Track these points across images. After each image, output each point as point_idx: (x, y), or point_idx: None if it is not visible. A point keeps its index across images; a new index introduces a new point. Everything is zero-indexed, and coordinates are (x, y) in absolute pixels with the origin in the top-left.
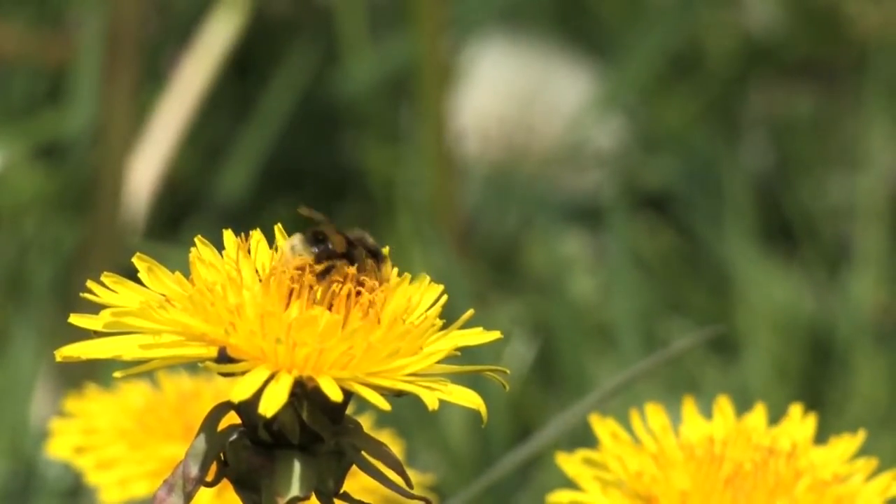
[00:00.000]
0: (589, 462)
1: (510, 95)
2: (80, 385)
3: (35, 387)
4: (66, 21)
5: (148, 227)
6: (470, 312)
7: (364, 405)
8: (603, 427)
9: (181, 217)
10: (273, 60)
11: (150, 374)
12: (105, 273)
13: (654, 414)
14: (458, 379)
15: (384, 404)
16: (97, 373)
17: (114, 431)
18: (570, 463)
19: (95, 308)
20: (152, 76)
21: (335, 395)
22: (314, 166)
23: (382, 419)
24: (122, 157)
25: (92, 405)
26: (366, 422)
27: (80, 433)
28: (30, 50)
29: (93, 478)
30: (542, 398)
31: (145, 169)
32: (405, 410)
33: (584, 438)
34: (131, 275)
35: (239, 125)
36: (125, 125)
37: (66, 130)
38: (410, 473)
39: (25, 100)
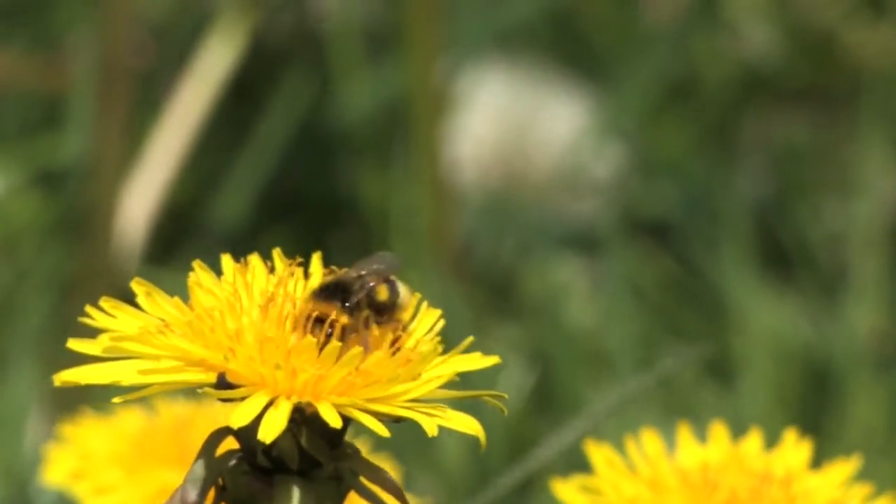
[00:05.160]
0: (584, 488)
1: (506, 123)
2: (75, 411)
3: (31, 413)
4: (62, 47)
5: (145, 253)
6: (470, 339)
7: (362, 429)
8: (598, 453)
9: (178, 243)
10: (269, 88)
11: (146, 399)
12: (104, 298)
13: (650, 439)
14: (456, 404)
15: (383, 431)
16: (92, 398)
17: (110, 457)
18: (565, 489)
19: (93, 333)
20: (149, 103)
21: (335, 422)
22: (310, 193)
23: (380, 444)
24: (116, 185)
25: (87, 430)
26: (364, 446)
27: (76, 459)
28: (26, 76)
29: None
30: (540, 425)
31: (143, 195)
32: (403, 435)
33: (580, 464)
34: (128, 300)
35: (235, 152)
36: (119, 153)
37: (63, 158)
38: (408, 498)
39: (22, 127)
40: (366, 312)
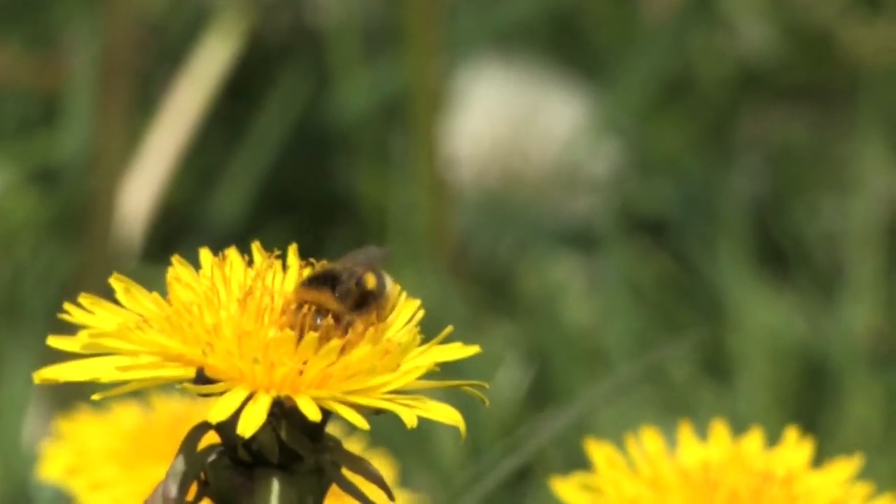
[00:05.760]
0: (585, 487)
1: (504, 120)
2: (72, 407)
3: (28, 410)
4: (59, 45)
5: (142, 250)
6: (449, 329)
7: (354, 426)
8: (599, 451)
9: (175, 241)
10: (266, 85)
11: (142, 396)
12: (82, 294)
13: (651, 438)
14: (452, 400)
15: (363, 423)
16: (89, 394)
17: (106, 453)
18: (565, 487)
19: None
20: (146, 101)
21: (313, 415)
22: (308, 191)
23: (375, 440)
24: (115, 182)
25: (84, 427)
26: (358, 444)
27: (73, 455)
28: (23, 74)
29: (86, 499)
30: (536, 422)
31: (140, 193)
32: (399, 432)
33: (580, 462)
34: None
35: (233, 150)
36: (119, 150)
37: (60, 155)
38: (403, 494)
39: (19, 124)
40: (355, 294)
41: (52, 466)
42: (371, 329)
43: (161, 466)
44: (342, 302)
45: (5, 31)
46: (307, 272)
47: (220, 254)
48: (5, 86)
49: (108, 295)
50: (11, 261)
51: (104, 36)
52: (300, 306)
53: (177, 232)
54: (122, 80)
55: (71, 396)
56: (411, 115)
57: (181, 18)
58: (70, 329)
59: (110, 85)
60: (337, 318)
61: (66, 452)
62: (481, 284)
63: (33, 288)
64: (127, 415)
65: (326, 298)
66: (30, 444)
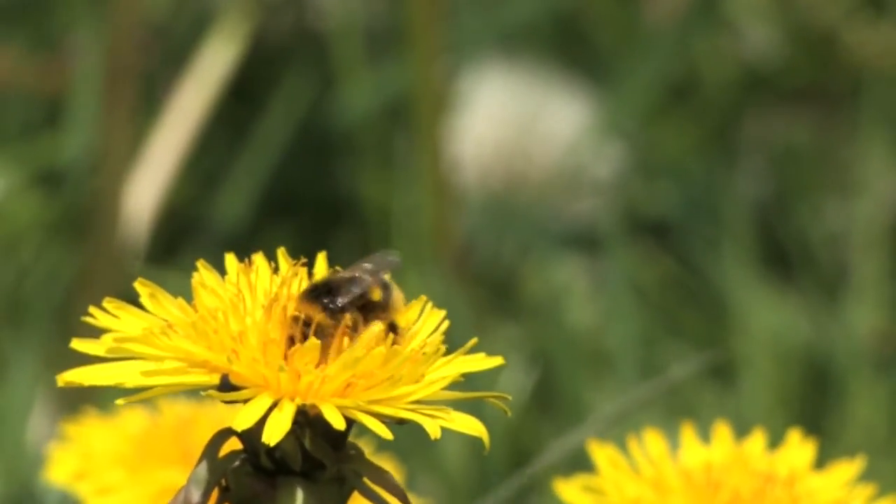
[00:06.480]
0: (587, 488)
1: (507, 122)
2: (78, 410)
3: (32, 412)
4: (62, 47)
5: (146, 252)
6: (474, 340)
7: (365, 430)
8: (601, 453)
9: (178, 243)
10: (270, 87)
11: (149, 400)
12: (107, 298)
13: (653, 440)
14: (456, 405)
15: (386, 433)
16: (95, 398)
17: (112, 457)
18: (568, 489)
19: (95, 334)
20: (150, 103)
21: (338, 424)
22: (311, 193)
23: (382, 444)
24: (119, 184)
25: (90, 430)
26: (366, 447)
27: (79, 458)
28: (26, 76)
29: (92, 503)
30: (540, 424)
31: (143, 195)
32: (404, 436)
33: (582, 464)
34: (130, 300)
35: (236, 152)
36: (123, 152)
37: (63, 157)
38: (411, 499)
39: (22, 126)
40: (349, 317)
41: (58, 470)
42: (374, 335)
43: (167, 470)
44: (333, 316)
45: (9, 33)
46: (306, 281)
47: (228, 257)
48: (9, 88)
49: (113, 296)
50: (15, 263)
51: (108, 38)
52: (295, 318)
53: (181, 234)
54: (125, 83)
55: (77, 399)
56: (415, 118)
57: (185, 20)
58: (76, 332)
59: (114, 87)
60: (321, 334)
61: (72, 456)
62: (485, 286)
63: (37, 290)
64: (133, 418)
65: (316, 312)
66: (35, 447)
